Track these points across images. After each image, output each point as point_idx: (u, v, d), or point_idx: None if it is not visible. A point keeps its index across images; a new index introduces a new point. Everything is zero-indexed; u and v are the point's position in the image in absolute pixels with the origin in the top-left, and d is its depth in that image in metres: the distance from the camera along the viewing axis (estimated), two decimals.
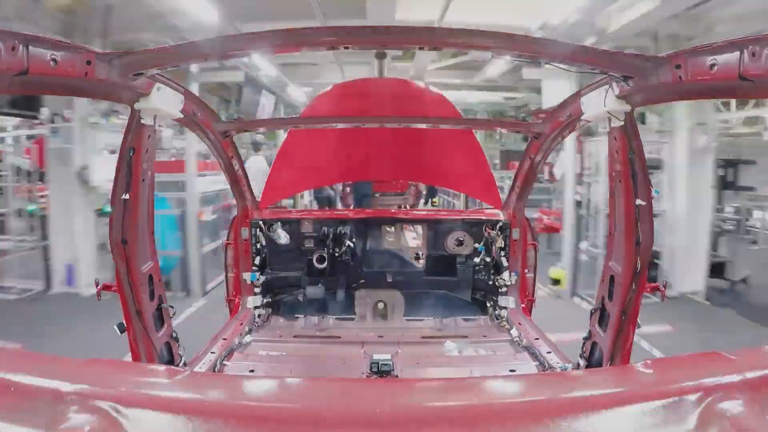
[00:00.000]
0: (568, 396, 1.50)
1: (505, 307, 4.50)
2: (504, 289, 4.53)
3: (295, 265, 4.73)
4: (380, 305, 4.71)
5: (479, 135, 12.28)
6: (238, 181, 4.15)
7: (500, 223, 4.52)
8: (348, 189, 11.98)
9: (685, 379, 1.42)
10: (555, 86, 9.11)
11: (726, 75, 1.80)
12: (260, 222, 4.53)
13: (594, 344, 3.07)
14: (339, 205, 12.08)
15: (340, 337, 4.27)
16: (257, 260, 4.52)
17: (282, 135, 10.48)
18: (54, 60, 1.85)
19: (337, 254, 4.61)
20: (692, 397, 1.33)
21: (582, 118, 2.80)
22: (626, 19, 7.70)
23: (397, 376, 3.07)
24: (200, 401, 1.42)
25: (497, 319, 4.49)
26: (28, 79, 1.81)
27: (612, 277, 2.87)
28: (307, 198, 12.89)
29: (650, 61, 2.09)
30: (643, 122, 9.21)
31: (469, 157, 4.98)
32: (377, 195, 11.79)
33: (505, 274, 4.48)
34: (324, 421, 1.34)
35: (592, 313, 3.10)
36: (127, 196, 2.61)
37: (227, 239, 4.60)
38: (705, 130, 8.76)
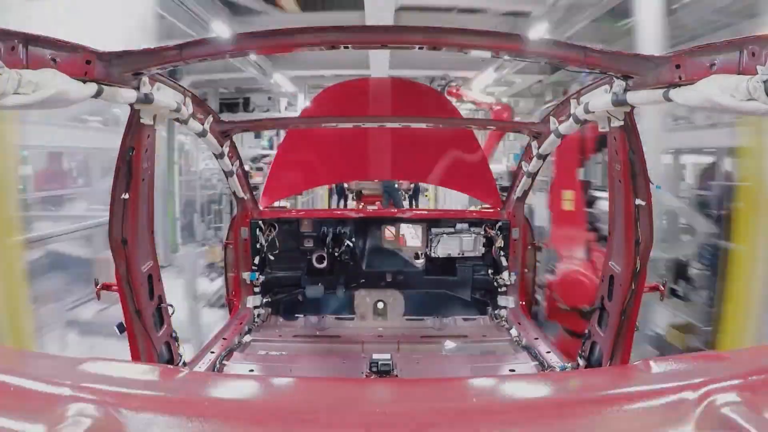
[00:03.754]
0: (567, 396, 1.51)
1: (504, 307, 4.50)
2: (504, 289, 4.54)
3: (294, 265, 4.73)
4: (380, 305, 4.71)
5: None
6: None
7: (500, 223, 4.52)
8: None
9: (685, 379, 1.42)
10: None
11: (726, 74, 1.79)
12: (260, 222, 4.53)
13: (594, 344, 3.07)
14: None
15: (339, 337, 4.27)
16: (257, 260, 4.52)
17: None
18: (54, 59, 1.85)
19: (336, 254, 4.61)
20: (692, 397, 1.33)
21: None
22: None
23: (396, 376, 3.07)
24: (200, 401, 1.42)
25: (497, 318, 4.49)
26: None
27: (612, 277, 2.87)
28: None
29: (650, 60, 2.09)
30: None
31: (469, 157, 4.99)
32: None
33: (505, 274, 4.49)
34: (323, 420, 1.34)
35: (591, 313, 3.10)
36: (126, 196, 2.61)
37: (227, 239, 4.60)
38: None
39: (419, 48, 2.22)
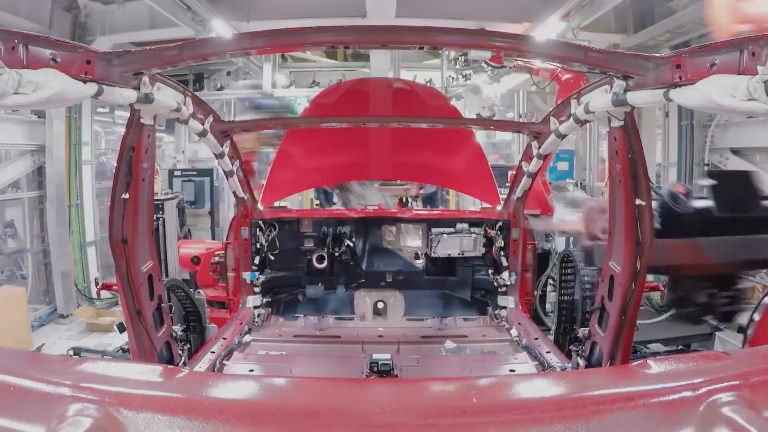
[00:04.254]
0: (567, 396, 1.51)
1: (504, 307, 4.50)
2: (504, 289, 4.53)
3: (295, 265, 4.73)
4: (380, 305, 4.71)
5: None
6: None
7: (500, 223, 4.52)
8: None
9: (685, 379, 1.42)
10: None
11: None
12: (260, 222, 4.53)
13: (594, 344, 3.07)
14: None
15: (339, 337, 4.26)
16: (257, 260, 4.52)
17: None
18: (54, 59, 1.85)
19: (336, 254, 4.61)
20: (691, 397, 1.33)
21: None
22: None
23: (396, 376, 3.07)
24: (200, 401, 1.42)
25: (497, 318, 4.49)
26: None
27: (612, 277, 2.86)
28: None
29: (650, 61, 2.09)
30: None
31: (468, 157, 4.99)
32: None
33: (505, 274, 4.49)
34: (323, 420, 1.34)
35: (592, 313, 3.10)
36: (126, 196, 2.61)
37: (227, 239, 4.60)
38: None
39: (419, 48, 2.23)
